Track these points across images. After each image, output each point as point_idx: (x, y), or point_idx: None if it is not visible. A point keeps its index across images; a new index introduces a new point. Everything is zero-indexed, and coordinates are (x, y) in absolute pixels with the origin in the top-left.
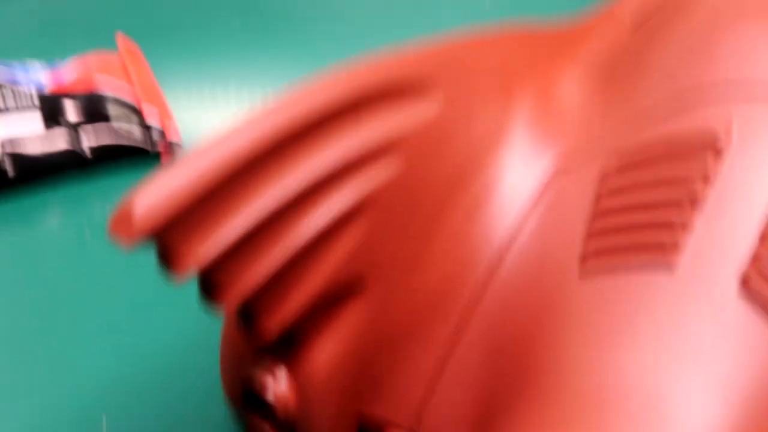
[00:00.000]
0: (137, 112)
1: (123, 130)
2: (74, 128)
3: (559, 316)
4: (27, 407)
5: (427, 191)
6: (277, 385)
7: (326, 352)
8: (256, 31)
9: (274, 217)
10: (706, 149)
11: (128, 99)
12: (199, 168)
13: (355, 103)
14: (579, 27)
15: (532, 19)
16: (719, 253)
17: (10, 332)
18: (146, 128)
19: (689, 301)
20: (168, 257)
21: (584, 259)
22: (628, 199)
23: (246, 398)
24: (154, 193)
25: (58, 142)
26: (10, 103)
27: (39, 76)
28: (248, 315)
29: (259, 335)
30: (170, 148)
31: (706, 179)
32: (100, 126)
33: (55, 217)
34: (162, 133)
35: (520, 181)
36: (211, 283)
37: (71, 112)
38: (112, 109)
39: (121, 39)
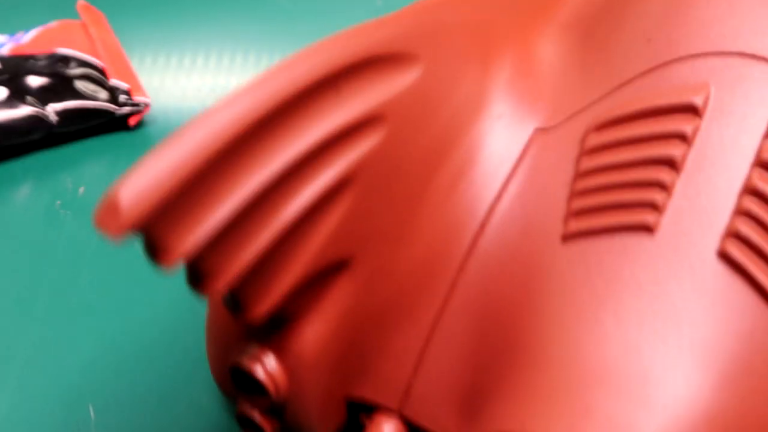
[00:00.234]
0: (100, 71)
1: (88, 90)
2: (37, 92)
3: (543, 283)
4: (7, 396)
5: (411, 161)
6: (268, 365)
7: (315, 330)
8: None
9: (259, 199)
10: (685, 109)
11: (90, 59)
12: (183, 154)
13: (335, 77)
14: None
15: None
16: (699, 215)
17: None
18: (111, 89)
19: (670, 265)
20: (156, 250)
21: (566, 221)
22: (607, 158)
23: (235, 380)
24: (139, 183)
25: (21, 106)
26: None
27: None
28: (236, 300)
29: (248, 319)
30: (138, 108)
31: (685, 139)
32: (64, 87)
33: (24, 189)
34: (127, 93)
35: (502, 145)
36: (198, 272)
37: (33, 75)
38: (74, 70)
39: (83, 8)
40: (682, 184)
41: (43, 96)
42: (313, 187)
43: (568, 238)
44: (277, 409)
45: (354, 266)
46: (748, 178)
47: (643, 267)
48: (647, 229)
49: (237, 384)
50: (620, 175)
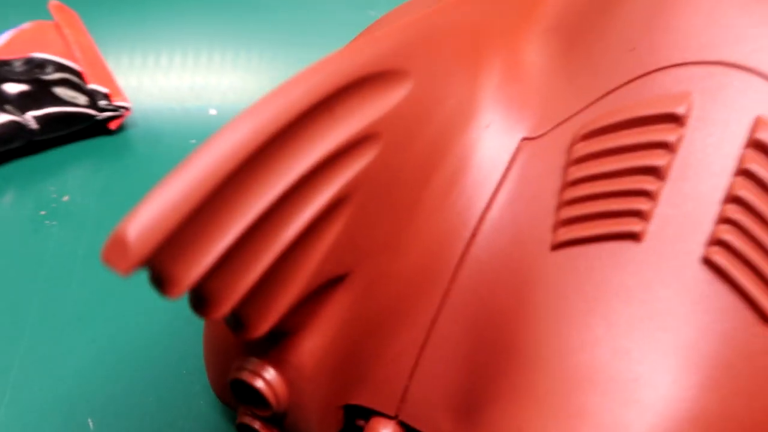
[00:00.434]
0: (78, 75)
1: (67, 96)
2: (16, 99)
3: (534, 290)
4: (2, 409)
5: (405, 172)
6: (268, 378)
7: (313, 343)
8: None
9: (260, 224)
10: (668, 119)
11: (67, 63)
12: (186, 186)
13: (329, 99)
14: None
15: None
16: (684, 222)
17: None
18: (90, 93)
19: (657, 271)
20: (163, 282)
21: (556, 230)
22: (594, 168)
23: (235, 392)
24: (144, 219)
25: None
26: None
27: None
28: (237, 319)
29: (249, 336)
30: (118, 113)
31: (669, 148)
32: (43, 94)
33: (6, 198)
34: (107, 98)
35: (492, 153)
36: (203, 298)
37: (11, 83)
38: (52, 75)
39: (55, 8)
40: (666, 192)
41: (22, 103)
42: (311, 207)
43: (557, 246)
44: (278, 418)
45: (351, 278)
46: (731, 186)
47: (631, 274)
48: (634, 237)
49: (237, 395)
50: (607, 185)
